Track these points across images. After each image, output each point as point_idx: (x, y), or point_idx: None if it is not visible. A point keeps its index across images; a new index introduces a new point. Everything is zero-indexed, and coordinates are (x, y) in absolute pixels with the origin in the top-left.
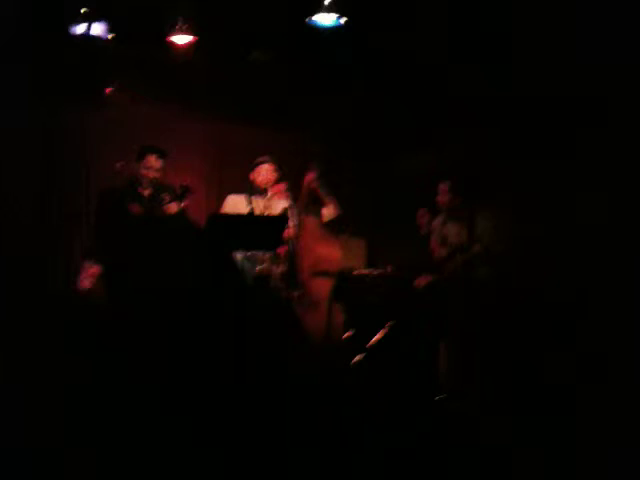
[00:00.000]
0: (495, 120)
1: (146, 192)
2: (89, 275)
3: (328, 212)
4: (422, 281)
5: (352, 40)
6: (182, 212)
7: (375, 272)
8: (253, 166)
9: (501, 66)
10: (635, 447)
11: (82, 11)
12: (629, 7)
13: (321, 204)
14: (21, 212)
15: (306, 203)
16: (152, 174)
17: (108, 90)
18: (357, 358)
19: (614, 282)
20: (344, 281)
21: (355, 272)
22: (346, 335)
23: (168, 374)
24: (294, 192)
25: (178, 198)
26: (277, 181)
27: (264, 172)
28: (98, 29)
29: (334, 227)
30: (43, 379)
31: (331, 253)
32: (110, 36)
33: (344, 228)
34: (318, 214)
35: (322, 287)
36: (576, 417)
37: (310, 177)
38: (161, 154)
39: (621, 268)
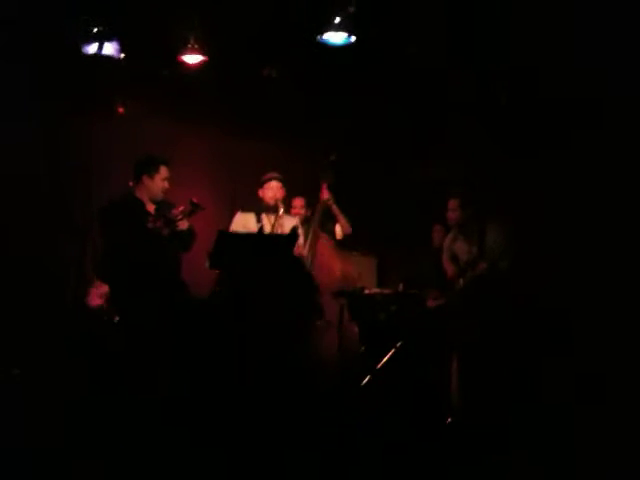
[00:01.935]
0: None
1: (152, 207)
2: (100, 293)
3: (340, 230)
4: (433, 299)
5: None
6: (192, 228)
7: (386, 291)
8: (261, 183)
9: (499, 69)
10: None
11: (95, 31)
12: (626, 11)
13: (333, 221)
14: (27, 226)
15: (320, 220)
16: (167, 185)
17: (117, 105)
18: (367, 379)
19: (620, 297)
20: (356, 300)
21: (366, 291)
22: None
23: (176, 394)
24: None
25: (188, 214)
26: (293, 196)
27: (273, 189)
28: (110, 49)
29: (347, 244)
30: (50, 392)
31: (348, 271)
32: (122, 55)
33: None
34: (332, 232)
35: (336, 306)
36: (576, 435)
37: (324, 193)
38: (168, 164)
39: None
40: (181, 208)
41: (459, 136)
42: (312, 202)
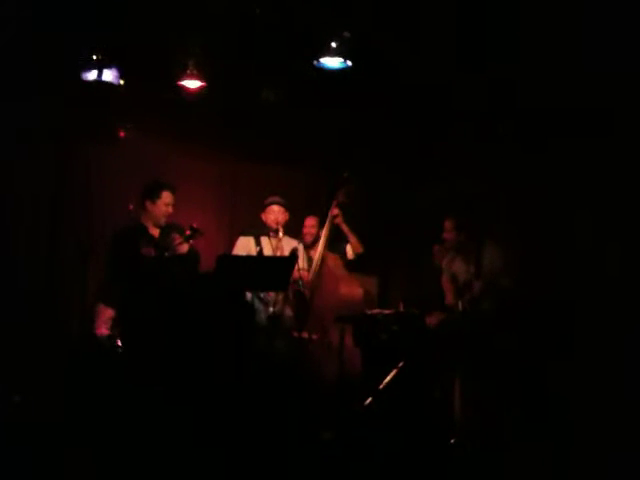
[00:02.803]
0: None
1: (156, 232)
2: (105, 320)
3: (352, 249)
4: (433, 319)
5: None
6: (192, 251)
7: (386, 311)
8: (264, 206)
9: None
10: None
11: (94, 58)
12: (635, 16)
13: (345, 240)
14: (32, 250)
15: (328, 238)
16: (169, 210)
17: (119, 130)
18: (369, 401)
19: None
20: (357, 322)
21: (367, 311)
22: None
23: (179, 417)
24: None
25: (187, 238)
26: (305, 216)
27: (274, 212)
28: (110, 75)
29: (356, 265)
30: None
31: (353, 295)
32: (122, 82)
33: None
34: (342, 251)
35: (338, 326)
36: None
37: (333, 211)
38: (173, 189)
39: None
40: (187, 232)
41: (459, 155)
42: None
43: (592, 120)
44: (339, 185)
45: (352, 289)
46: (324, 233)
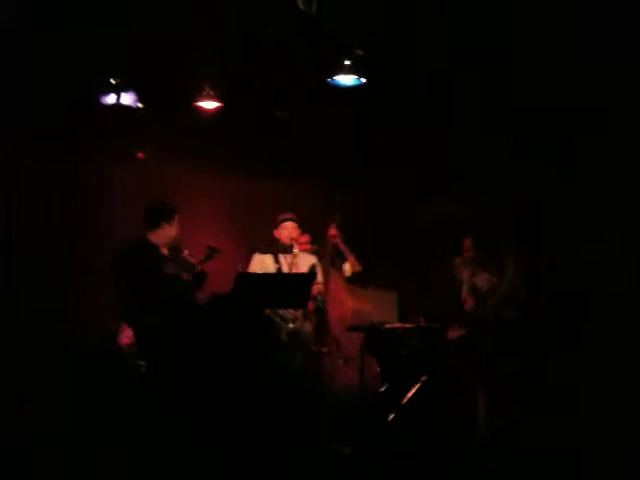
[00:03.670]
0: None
1: (165, 251)
2: (130, 334)
3: (348, 268)
4: (454, 332)
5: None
6: (204, 270)
7: (407, 325)
8: (277, 223)
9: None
10: None
11: (112, 82)
12: (630, 15)
13: (342, 259)
14: (46, 268)
15: (331, 257)
16: (180, 231)
17: (137, 150)
18: (392, 416)
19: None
20: (376, 335)
21: (387, 326)
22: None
23: (199, 432)
24: (319, 244)
25: (206, 259)
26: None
27: (288, 229)
28: (128, 99)
29: (358, 281)
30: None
31: (360, 306)
32: (140, 105)
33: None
34: (340, 269)
35: (354, 341)
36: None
37: (331, 232)
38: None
39: None
40: (186, 252)
41: (477, 170)
42: (321, 238)
43: (588, 121)
44: (334, 209)
45: (358, 302)
46: (326, 254)
